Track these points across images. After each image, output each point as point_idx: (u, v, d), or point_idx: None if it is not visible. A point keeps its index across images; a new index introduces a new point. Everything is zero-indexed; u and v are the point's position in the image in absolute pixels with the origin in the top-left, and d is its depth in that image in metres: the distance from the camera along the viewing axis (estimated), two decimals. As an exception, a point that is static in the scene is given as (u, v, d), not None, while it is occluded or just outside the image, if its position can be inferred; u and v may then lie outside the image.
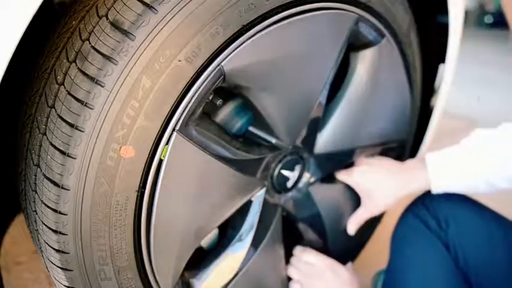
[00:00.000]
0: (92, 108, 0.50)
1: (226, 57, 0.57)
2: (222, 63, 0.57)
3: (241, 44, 0.58)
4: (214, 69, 0.57)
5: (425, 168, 0.83)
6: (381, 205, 0.91)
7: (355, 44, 0.81)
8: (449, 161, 0.82)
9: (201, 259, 0.78)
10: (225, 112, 0.73)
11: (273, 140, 0.76)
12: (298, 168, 0.86)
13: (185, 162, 0.60)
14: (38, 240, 0.58)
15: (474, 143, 0.82)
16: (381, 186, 0.89)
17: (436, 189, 0.84)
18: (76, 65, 0.51)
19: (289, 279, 0.96)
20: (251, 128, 0.76)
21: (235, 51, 0.58)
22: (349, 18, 0.72)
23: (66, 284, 0.58)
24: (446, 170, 0.82)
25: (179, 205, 0.63)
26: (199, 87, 0.56)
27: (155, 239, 0.61)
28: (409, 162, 0.92)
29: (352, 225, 0.96)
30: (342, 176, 0.94)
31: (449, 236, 0.80)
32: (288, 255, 0.95)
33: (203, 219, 0.69)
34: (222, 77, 0.58)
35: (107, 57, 0.49)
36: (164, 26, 0.51)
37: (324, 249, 0.98)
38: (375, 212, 0.93)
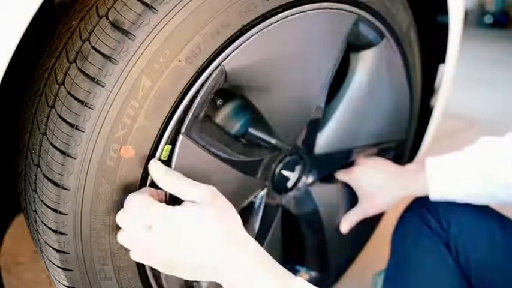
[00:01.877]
0: (92, 108, 0.50)
1: (227, 57, 0.57)
2: (223, 63, 0.57)
3: (242, 44, 0.58)
4: (216, 69, 0.57)
5: (425, 171, 0.83)
6: (378, 205, 0.90)
7: (355, 45, 0.81)
8: (450, 165, 0.80)
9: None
10: (225, 112, 0.73)
11: (273, 141, 0.76)
12: (298, 168, 0.86)
13: (191, 165, 0.60)
14: (38, 240, 0.58)
15: (478, 149, 0.79)
16: (380, 186, 0.89)
17: (434, 194, 0.82)
18: (76, 65, 0.51)
19: None
20: (251, 129, 0.76)
21: (236, 51, 0.58)
22: (349, 18, 0.72)
23: (66, 284, 0.58)
24: (446, 175, 0.80)
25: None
26: (201, 88, 0.56)
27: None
28: (411, 165, 0.92)
29: (346, 224, 0.95)
30: (341, 175, 0.94)
31: (450, 236, 0.80)
32: (288, 254, 0.95)
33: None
34: (224, 77, 0.58)
35: (107, 57, 0.49)
36: (164, 26, 0.51)
37: (322, 248, 0.98)
38: (371, 212, 0.93)
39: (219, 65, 0.57)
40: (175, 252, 0.52)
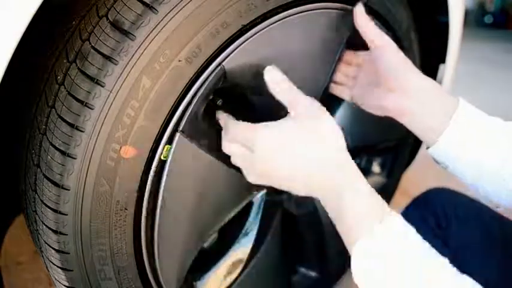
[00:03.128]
0: (92, 108, 0.50)
1: (227, 57, 0.57)
2: (223, 63, 0.57)
3: (242, 44, 0.58)
4: (216, 68, 0.57)
5: (457, 103, 0.66)
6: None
7: (355, 44, 0.81)
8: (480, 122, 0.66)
9: (203, 262, 0.78)
10: (225, 112, 0.73)
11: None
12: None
13: (188, 163, 0.60)
14: (38, 240, 0.58)
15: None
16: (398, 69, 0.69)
17: (451, 132, 0.65)
18: (76, 65, 0.51)
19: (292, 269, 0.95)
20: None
21: (236, 51, 0.58)
22: (349, 18, 0.72)
23: (66, 284, 0.58)
24: (471, 125, 0.65)
25: (183, 206, 0.63)
26: (200, 87, 0.56)
27: (159, 243, 0.61)
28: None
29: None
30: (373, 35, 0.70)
31: (449, 235, 0.80)
32: (288, 254, 0.95)
33: (207, 220, 0.69)
34: (224, 77, 0.58)
35: (107, 57, 0.49)
36: (164, 26, 0.51)
37: (322, 248, 0.98)
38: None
39: (219, 64, 0.57)
40: (281, 168, 0.55)
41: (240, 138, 0.58)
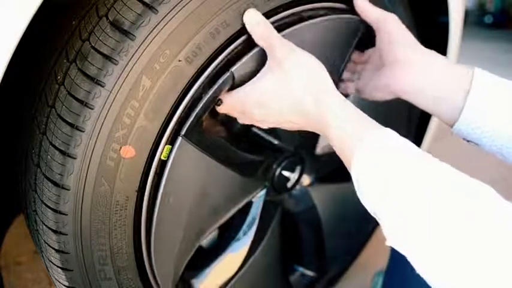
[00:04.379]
0: (92, 108, 0.50)
1: (227, 56, 0.57)
2: (232, 69, 0.57)
3: (242, 44, 0.58)
4: (225, 74, 0.57)
5: (472, 74, 0.66)
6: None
7: (356, 43, 0.81)
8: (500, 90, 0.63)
9: (200, 260, 0.78)
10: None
11: (276, 142, 0.76)
12: (298, 168, 0.86)
13: (189, 165, 0.60)
14: (38, 240, 0.58)
15: None
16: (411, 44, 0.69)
17: (472, 103, 0.62)
18: (76, 65, 0.51)
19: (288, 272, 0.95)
20: (253, 129, 0.76)
21: (236, 50, 0.58)
22: (350, 18, 0.72)
23: (66, 284, 0.58)
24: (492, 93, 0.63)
25: (181, 206, 0.63)
26: (207, 92, 0.57)
27: (156, 240, 0.61)
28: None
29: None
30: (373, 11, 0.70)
31: None
32: (288, 254, 0.95)
33: (205, 220, 0.69)
34: (232, 81, 0.58)
35: (107, 57, 0.49)
36: (164, 26, 0.51)
37: (321, 248, 0.98)
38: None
39: (228, 70, 0.57)
40: (268, 114, 0.58)
41: (234, 104, 0.60)
